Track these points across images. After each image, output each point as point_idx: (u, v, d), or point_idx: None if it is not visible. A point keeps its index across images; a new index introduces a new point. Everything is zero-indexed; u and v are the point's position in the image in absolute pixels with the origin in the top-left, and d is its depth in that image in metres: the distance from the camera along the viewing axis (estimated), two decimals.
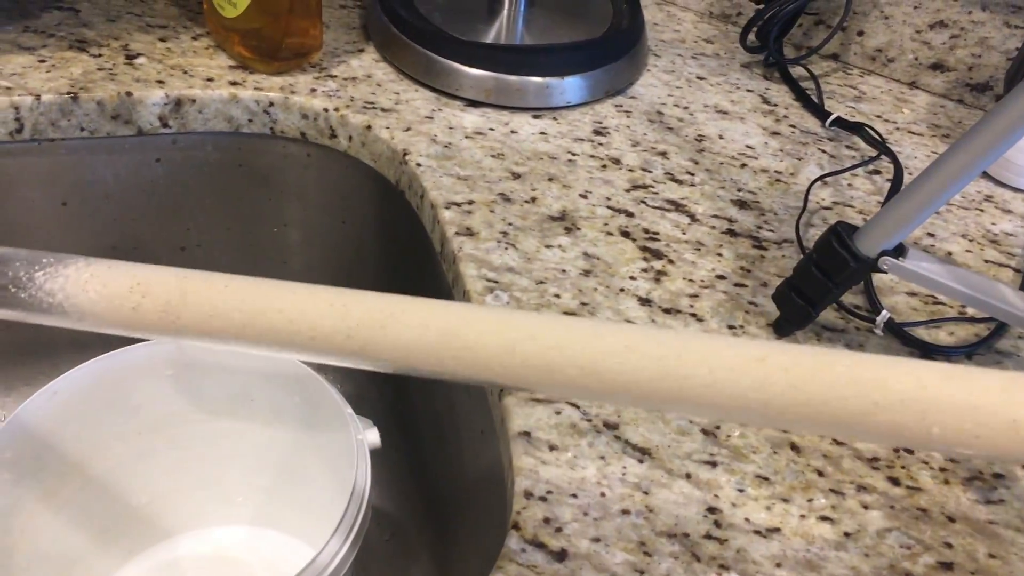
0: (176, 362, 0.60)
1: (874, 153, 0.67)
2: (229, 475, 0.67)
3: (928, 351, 0.52)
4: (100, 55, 0.65)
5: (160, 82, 0.63)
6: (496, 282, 0.53)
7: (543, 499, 0.43)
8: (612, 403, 0.35)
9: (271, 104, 0.65)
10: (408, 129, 0.63)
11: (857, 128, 0.68)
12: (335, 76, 0.67)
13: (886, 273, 0.46)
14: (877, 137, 0.67)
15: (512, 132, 0.65)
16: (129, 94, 0.62)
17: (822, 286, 0.48)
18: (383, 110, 0.65)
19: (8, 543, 0.53)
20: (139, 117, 0.63)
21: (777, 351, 0.25)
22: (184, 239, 0.71)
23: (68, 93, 0.61)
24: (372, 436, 0.56)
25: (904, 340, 0.53)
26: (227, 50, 0.67)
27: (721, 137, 0.68)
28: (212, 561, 0.68)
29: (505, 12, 0.72)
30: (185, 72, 0.65)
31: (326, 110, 0.64)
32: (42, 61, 0.63)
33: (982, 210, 0.64)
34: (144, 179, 0.67)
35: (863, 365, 0.24)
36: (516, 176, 0.61)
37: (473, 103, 0.67)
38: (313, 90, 0.65)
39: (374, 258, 0.71)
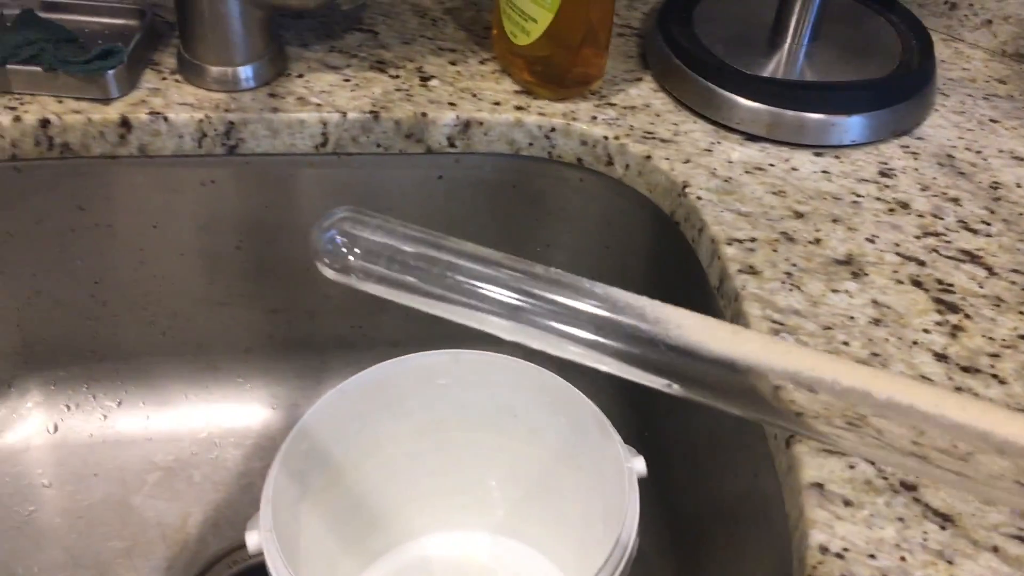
0: (450, 373, 0.62)
1: None
2: (485, 483, 0.69)
3: None
4: (397, 76, 0.69)
5: (452, 104, 0.67)
6: (781, 324, 0.52)
7: (839, 556, 0.41)
8: None
9: (552, 129, 0.67)
10: (687, 161, 0.63)
11: None
12: (614, 104, 0.68)
13: None
14: None
15: (793, 169, 0.64)
16: (424, 115, 0.66)
17: None
18: (662, 140, 0.65)
19: (295, 528, 0.57)
20: (430, 137, 0.67)
21: None
22: None
23: (370, 112, 0.65)
24: (639, 465, 0.56)
25: None
26: (512, 75, 0.70)
27: (1019, 186, 0.64)
28: (459, 564, 0.70)
29: (787, 45, 0.71)
30: (474, 95, 0.68)
31: (606, 138, 0.66)
32: (347, 80, 0.68)
33: None
34: (424, 194, 0.71)
35: None
36: (799, 215, 0.60)
37: (752, 137, 0.66)
38: (594, 117, 0.67)
39: (635, 286, 0.71)
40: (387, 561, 0.70)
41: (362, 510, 0.66)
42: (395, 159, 0.68)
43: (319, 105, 0.65)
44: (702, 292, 0.60)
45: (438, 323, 0.80)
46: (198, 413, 0.77)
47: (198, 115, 0.64)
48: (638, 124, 0.67)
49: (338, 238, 0.36)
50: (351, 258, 0.35)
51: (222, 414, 0.78)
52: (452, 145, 0.67)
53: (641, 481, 0.71)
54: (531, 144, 0.68)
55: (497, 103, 0.67)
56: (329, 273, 0.36)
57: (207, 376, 0.78)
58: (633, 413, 0.78)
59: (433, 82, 0.69)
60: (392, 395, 0.62)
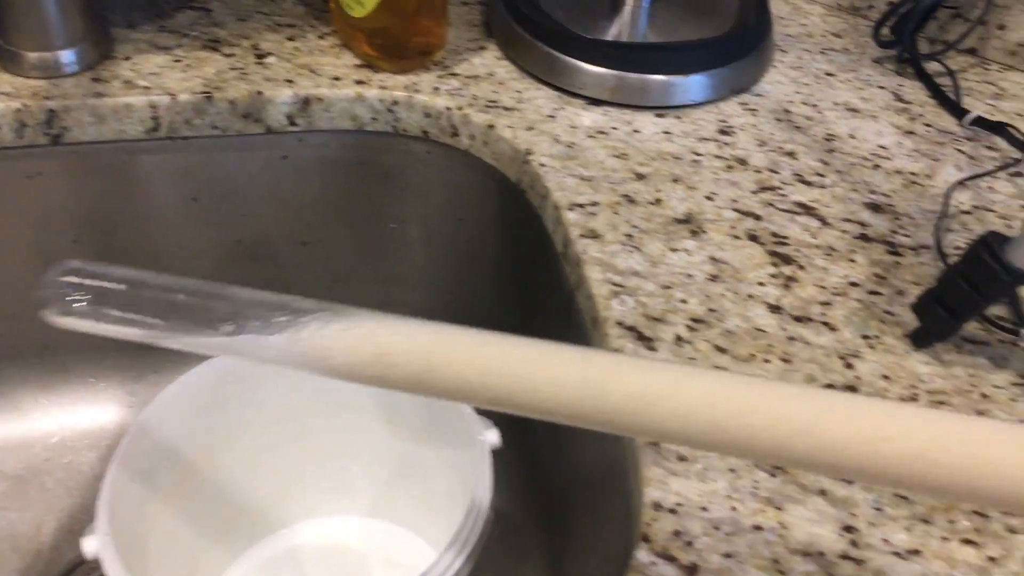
0: None
1: (1017, 154, 0.63)
2: (349, 468, 0.68)
3: None
4: (232, 55, 0.67)
5: (289, 81, 0.65)
6: (622, 286, 0.52)
7: (673, 511, 0.42)
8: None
9: (395, 103, 0.65)
10: (530, 128, 0.63)
11: (999, 128, 0.65)
12: (457, 74, 0.67)
13: None
14: (1022, 137, 0.64)
15: (635, 131, 0.64)
16: (260, 93, 0.63)
17: (968, 298, 0.46)
18: (505, 109, 0.65)
19: (142, 530, 0.55)
20: (268, 116, 0.64)
21: (886, 423, 0.24)
22: (307, 234, 0.73)
23: (203, 93, 0.63)
24: (492, 436, 0.56)
25: None
26: (353, 49, 0.68)
27: (852, 137, 0.65)
28: (329, 551, 0.69)
29: (628, 9, 0.71)
30: (313, 71, 0.66)
31: (449, 109, 0.65)
32: (177, 61, 0.65)
33: None
34: (270, 176, 0.69)
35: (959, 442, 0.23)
36: (640, 177, 0.60)
37: (595, 102, 0.66)
38: (436, 89, 0.66)
39: (491, 257, 0.71)
40: (255, 553, 0.68)
41: (223, 504, 0.65)
42: (234, 141, 0.66)
43: (147, 88, 0.62)
44: (550, 258, 0.60)
45: None
46: (49, 418, 0.74)
47: (15, 104, 0.60)
48: (481, 93, 0.66)
49: (64, 286, 0.34)
50: (77, 304, 0.33)
51: (75, 417, 0.74)
52: (293, 124, 0.65)
53: (511, 452, 0.71)
54: (374, 119, 0.66)
55: (337, 78, 0.66)
56: (58, 320, 0.34)
57: (57, 378, 0.75)
58: None
59: (270, 59, 0.67)
60: (242, 385, 0.60)
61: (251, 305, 0.32)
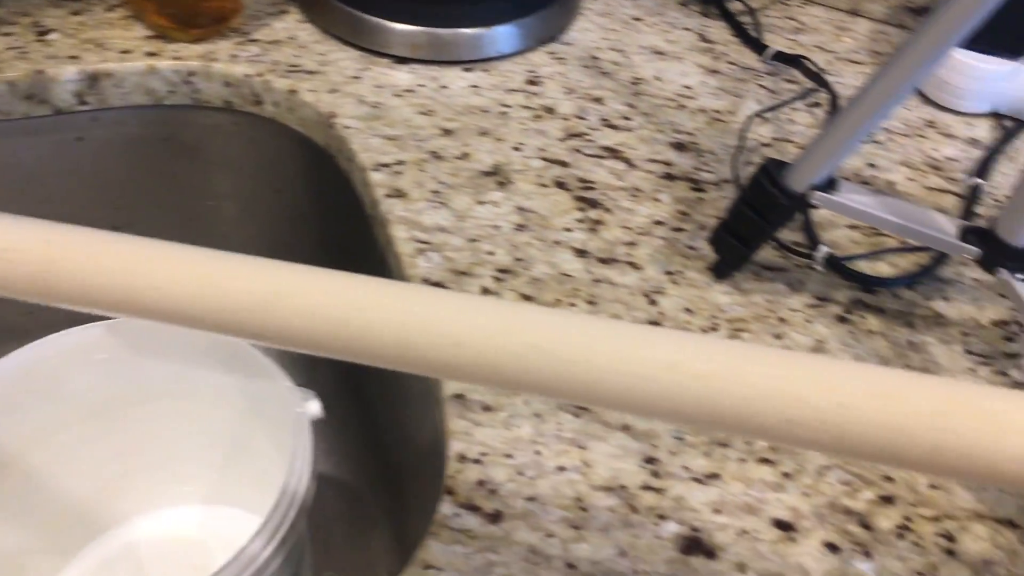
0: (108, 345, 0.58)
1: (812, 86, 0.65)
2: (178, 455, 0.65)
3: (868, 284, 0.52)
4: (10, 33, 0.63)
5: (73, 57, 0.61)
6: (427, 243, 0.52)
7: (477, 461, 0.42)
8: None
9: (191, 73, 0.63)
10: (334, 91, 0.61)
11: (795, 61, 0.66)
12: (257, 40, 0.65)
13: (817, 208, 0.45)
14: (814, 68, 0.66)
15: (442, 87, 0.63)
16: (41, 72, 0.60)
17: (755, 225, 0.47)
18: (308, 73, 0.63)
19: None
20: (54, 96, 0.61)
21: (690, 355, 0.24)
22: (116, 218, 0.69)
23: None
24: (313, 408, 0.55)
25: (844, 274, 0.52)
26: (144, 20, 0.65)
27: (658, 79, 0.66)
28: (169, 542, 0.67)
29: None
30: (100, 46, 0.62)
31: (248, 76, 0.62)
32: None
33: (924, 136, 0.63)
34: (67, 159, 0.65)
35: (777, 376, 0.23)
36: (447, 132, 0.59)
37: (401, 60, 0.65)
38: (234, 56, 0.63)
39: (312, 226, 0.69)
40: (89, 554, 0.66)
41: (45, 506, 0.62)
42: (19, 125, 0.62)
43: None
44: (362, 221, 0.58)
45: None
46: None
47: None
48: (283, 58, 0.64)
49: None
50: None
51: None
52: (83, 102, 0.62)
53: (351, 423, 0.70)
54: (172, 92, 0.63)
55: (126, 51, 0.62)
56: None
57: None
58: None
59: (52, 36, 0.63)
60: (43, 380, 0.57)
61: None
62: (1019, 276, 0.42)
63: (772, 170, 0.45)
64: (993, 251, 0.42)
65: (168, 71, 0.62)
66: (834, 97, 0.63)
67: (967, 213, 0.56)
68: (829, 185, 0.45)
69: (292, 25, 0.67)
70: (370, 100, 0.61)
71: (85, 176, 0.66)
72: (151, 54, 0.62)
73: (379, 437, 0.69)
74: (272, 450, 0.62)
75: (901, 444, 0.21)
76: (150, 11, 0.64)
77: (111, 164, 0.66)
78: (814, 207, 0.45)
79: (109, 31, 0.64)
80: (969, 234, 0.43)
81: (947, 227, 0.44)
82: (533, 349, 0.24)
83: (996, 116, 0.65)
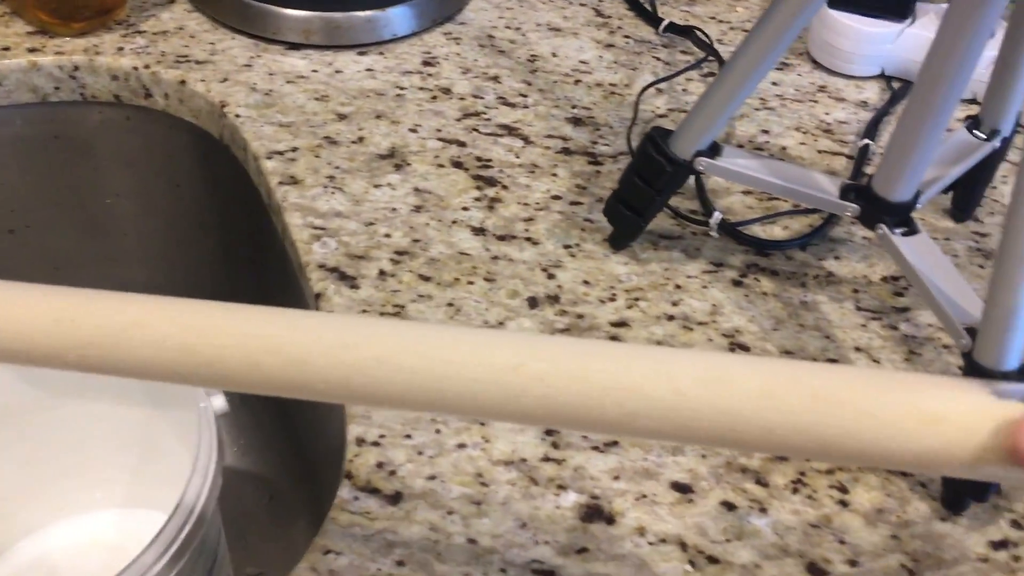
0: None
1: (703, 55, 0.66)
2: (90, 460, 0.64)
3: (763, 247, 0.53)
4: None
5: None
6: (323, 228, 0.51)
7: (376, 444, 0.42)
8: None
9: (76, 68, 0.61)
10: (225, 80, 0.60)
11: (688, 31, 0.67)
12: (144, 32, 0.64)
13: (702, 174, 0.46)
14: (705, 39, 0.67)
15: (337, 72, 0.62)
16: None
17: (645, 195, 0.48)
18: (197, 63, 0.61)
19: None
20: None
21: (535, 356, 0.24)
22: (11, 221, 0.67)
23: None
24: (218, 402, 0.54)
25: (738, 239, 0.53)
26: (24, 15, 0.63)
27: (554, 55, 0.66)
28: (84, 549, 0.66)
29: None
30: None
31: (136, 68, 0.61)
32: None
33: (816, 101, 0.64)
34: None
35: (617, 370, 0.23)
36: (342, 117, 0.59)
37: (294, 46, 0.64)
38: (120, 49, 0.62)
39: (214, 219, 0.68)
40: (4, 562, 0.64)
41: None
42: None
43: None
44: (262, 211, 0.58)
45: None
46: None
47: None
48: (171, 49, 0.62)
49: None
50: None
51: None
52: None
53: (269, 417, 0.69)
54: (58, 88, 0.62)
55: (6, 48, 0.61)
56: None
57: None
58: None
59: None
60: None
61: None
62: (897, 231, 0.43)
63: (657, 139, 0.46)
64: (871, 207, 0.43)
65: (51, 67, 0.61)
66: (722, 66, 0.64)
67: (856, 173, 0.57)
68: (713, 151, 0.45)
69: (180, 15, 0.66)
70: (262, 88, 0.60)
71: None
72: (33, 50, 0.61)
73: (294, 429, 0.68)
74: (181, 448, 0.61)
75: (736, 427, 0.21)
76: (30, 6, 0.62)
77: (0, 165, 0.64)
78: (699, 173, 0.45)
79: None
80: (849, 192, 0.44)
81: (828, 187, 0.45)
82: (375, 362, 0.24)
83: (884, 78, 0.66)
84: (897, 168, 0.41)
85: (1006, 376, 0.37)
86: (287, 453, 0.71)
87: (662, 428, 0.22)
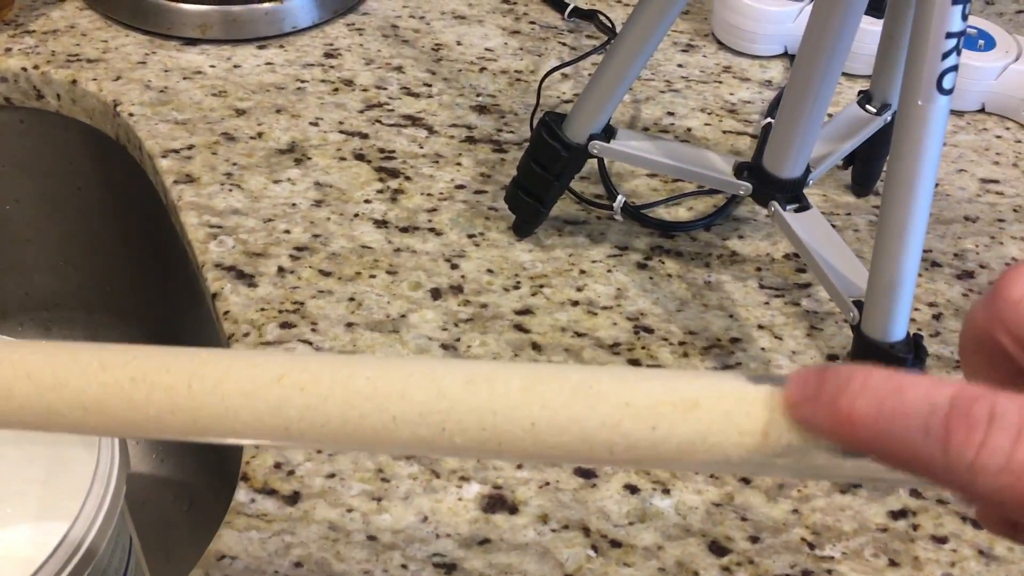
0: None
1: (606, 39, 0.66)
2: None
3: (667, 229, 0.53)
4: None
5: None
6: (220, 227, 0.50)
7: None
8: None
9: None
10: (118, 78, 0.59)
11: (592, 16, 0.67)
12: (33, 32, 0.62)
13: (597, 157, 0.46)
14: (608, 23, 0.66)
15: (235, 67, 0.61)
16: None
17: (543, 180, 0.47)
18: (89, 61, 0.60)
19: None
20: None
21: (298, 367, 0.23)
22: None
23: None
24: None
25: (643, 222, 0.53)
26: None
27: (459, 43, 0.66)
28: (1, 563, 0.64)
29: None
30: None
31: (25, 69, 0.59)
32: None
33: (720, 82, 0.65)
34: None
35: (383, 377, 0.22)
36: (240, 113, 0.57)
37: (191, 41, 0.62)
38: (8, 49, 0.60)
39: (117, 221, 0.66)
40: None
41: None
42: None
43: None
44: (162, 211, 0.56)
45: None
46: None
47: None
48: (61, 48, 0.60)
49: None
50: None
51: None
52: None
53: None
54: None
55: None
56: None
57: None
58: None
59: None
60: None
61: None
62: (789, 207, 0.43)
63: (551, 123, 0.45)
64: (763, 185, 0.43)
65: None
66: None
67: (759, 153, 0.58)
68: (607, 134, 0.45)
69: (72, 13, 0.64)
70: (157, 85, 0.59)
71: None
72: None
73: None
74: (90, 459, 0.59)
75: (504, 428, 0.21)
76: None
77: None
78: (594, 156, 0.45)
79: None
80: (742, 170, 0.44)
81: (722, 166, 0.45)
82: (131, 381, 0.23)
83: (788, 56, 0.67)
84: (784, 145, 0.41)
85: (893, 347, 0.37)
86: (205, 459, 0.70)
87: (425, 435, 0.21)
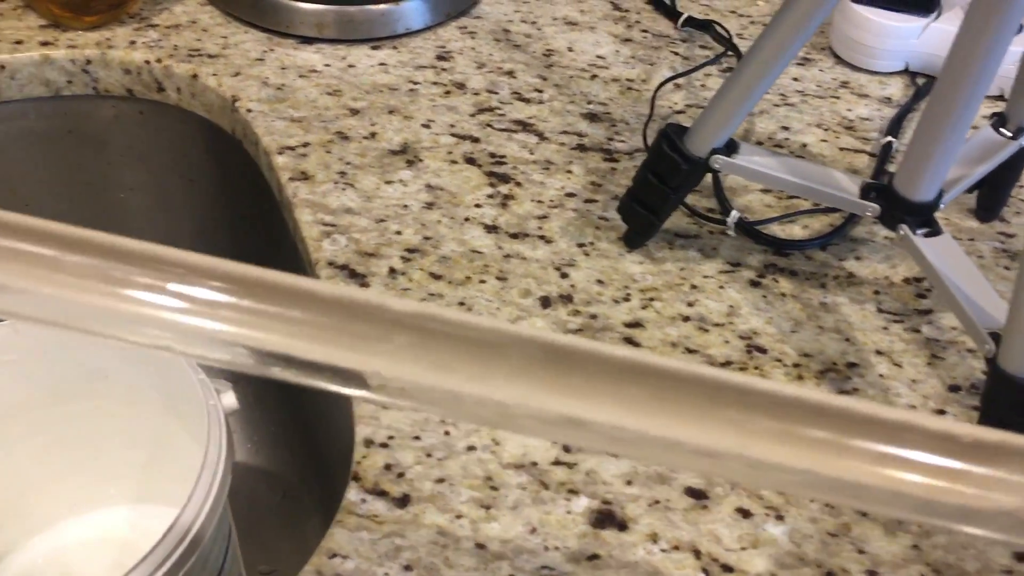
0: (16, 346, 0.56)
1: (722, 50, 0.65)
2: (101, 455, 0.64)
3: (781, 247, 0.51)
4: None
5: None
6: (333, 225, 0.51)
7: (384, 445, 0.41)
8: None
9: (88, 62, 0.61)
10: (237, 74, 0.60)
11: (707, 26, 0.66)
12: (156, 25, 0.63)
13: (719, 172, 0.45)
14: (725, 34, 0.65)
15: (349, 67, 0.62)
16: None
17: (661, 193, 0.47)
18: (210, 56, 0.61)
19: None
20: None
21: None
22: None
23: None
24: (227, 400, 0.53)
25: (756, 239, 0.52)
26: (37, 9, 0.63)
27: (571, 50, 0.65)
28: (98, 544, 0.65)
29: None
30: None
31: (148, 62, 0.60)
32: None
33: (838, 97, 0.63)
34: None
35: None
36: (354, 112, 0.58)
37: (307, 40, 0.63)
38: (133, 42, 0.61)
39: (227, 214, 0.67)
40: (13, 560, 0.64)
41: None
42: None
43: None
44: (274, 207, 0.57)
45: None
46: None
47: None
48: (183, 43, 0.62)
49: None
50: None
51: None
52: None
53: (283, 414, 0.68)
54: (70, 82, 0.61)
55: (19, 42, 0.60)
56: None
57: None
58: None
59: None
60: None
61: None
62: (919, 232, 0.42)
63: (672, 135, 0.45)
64: (892, 207, 0.42)
65: (64, 60, 0.60)
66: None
67: (879, 172, 0.56)
68: (730, 148, 0.44)
69: (193, 8, 0.65)
70: (274, 82, 0.60)
71: None
72: (45, 43, 0.60)
73: (306, 426, 0.68)
74: (193, 444, 0.60)
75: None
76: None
77: (13, 159, 0.64)
78: (715, 171, 0.44)
79: (1, 22, 0.62)
80: (870, 191, 0.43)
81: (848, 185, 0.43)
82: None
83: (909, 74, 0.65)
84: (919, 167, 0.40)
85: None
86: (299, 450, 0.71)
87: None
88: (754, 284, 0.50)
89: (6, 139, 0.63)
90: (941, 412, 0.44)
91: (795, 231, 0.53)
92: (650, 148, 0.46)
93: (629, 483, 0.40)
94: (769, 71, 0.40)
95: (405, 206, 0.52)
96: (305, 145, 0.55)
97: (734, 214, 0.51)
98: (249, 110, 0.57)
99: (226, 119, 0.60)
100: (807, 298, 0.49)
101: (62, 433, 0.62)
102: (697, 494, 0.40)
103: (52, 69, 0.60)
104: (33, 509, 0.64)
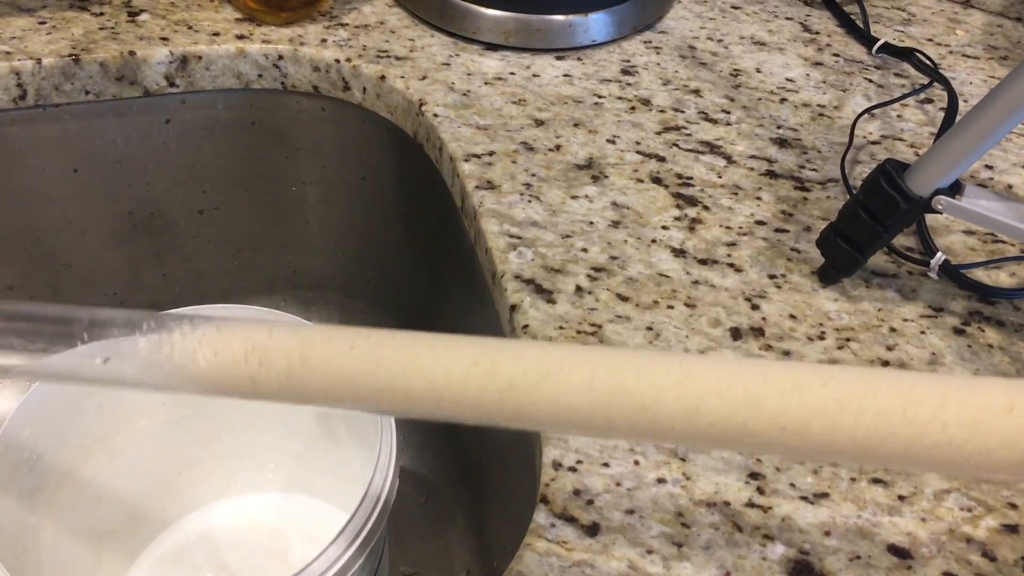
0: None
1: (925, 81, 0.62)
2: (259, 442, 0.65)
3: (987, 294, 0.48)
4: (101, 13, 0.62)
5: (164, 39, 0.61)
6: (520, 238, 0.50)
7: (573, 469, 0.40)
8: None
9: (280, 57, 0.62)
10: (424, 78, 0.60)
11: (906, 54, 0.63)
12: (346, 24, 0.64)
13: (941, 214, 0.42)
14: (928, 63, 0.62)
15: (534, 76, 0.61)
16: (132, 53, 0.59)
17: (871, 230, 0.44)
18: (397, 58, 0.61)
19: (34, 522, 0.52)
20: (144, 77, 0.61)
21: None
22: (201, 202, 0.69)
23: (69, 55, 0.58)
24: None
25: (961, 283, 0.49)
26: (234, 2, 0.64)
27: (759, 71, 0.63)
28: (246, 529, 0.67)
29: None
30: (190, 27, 0.62)
31: (337, 61, 0.61)
32: (42, 23, 0.61)
33: None
34: (155, 141, 0.65)
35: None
36: (539, 123, 0.57)
37: (492, 47, 0.63)
38: (323, 40, 0.62)
39: (395, 215, 0.68)
40: (167, 538, 0.66)
41: (129, 487, 0.62)
42: (111, 106, 0.62)
43: (8, 53, 0.58)
44: (451, 213, 0.57)
45: (202, 279, 0.75)
46: None
47: None
48: (372, 43, 0.62)
49: None
50: None
51: None
52: (172, 84, 0.62)
53: (433, 422, 0.69)
54: (261, 76, 0.63)
55: (216, 34, 0.62)
56: None
57: None
58: None
59: (143, 16, 0.63)
60: None
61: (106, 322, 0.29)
62: None
63: (893, 172, 0.42)
64: None
65: (257, 55, 0.62)
66: (952, 95, 0.59)
67: None
68: (954, 190, 0.42)
69: (381, 9, 0.66)
70: (460, 88, 0.59)
71: (171, 159, 0.66)
72: (241, 37, 0.62)
73: (459, 431, 0.67)
74: (352, 442, 0.61)
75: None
76: None
77: (198, 147, 0.66)
78: (938, 212, 0.42)
79: (199, 13, 0.63)
80: None
81: None
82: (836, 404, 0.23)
83: None
84: None
85: None
86: (446, 454, 0.71)
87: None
88: (958, 332, 0.47)
89: (193, 127, 0.65)
90: None
91: (1002, 278, 0.50)
92: (865, 182, 0.44)
93: (827, 534, 0.38)
94: (1016, 114, 0.37)
95: (591, 223, 0.51)
96: (491, 154, 0.55)
97: (939, 256, 0.48)
98: (435, 115, 0.57)
99: (409, 122, 0.60)
100: (1016, 352, 0.46)
101: (224, 418, 0.63)
102: (901, 552, 0.38)
103: (245, 63, 0.62)
104: (190, 489, 0.66)
